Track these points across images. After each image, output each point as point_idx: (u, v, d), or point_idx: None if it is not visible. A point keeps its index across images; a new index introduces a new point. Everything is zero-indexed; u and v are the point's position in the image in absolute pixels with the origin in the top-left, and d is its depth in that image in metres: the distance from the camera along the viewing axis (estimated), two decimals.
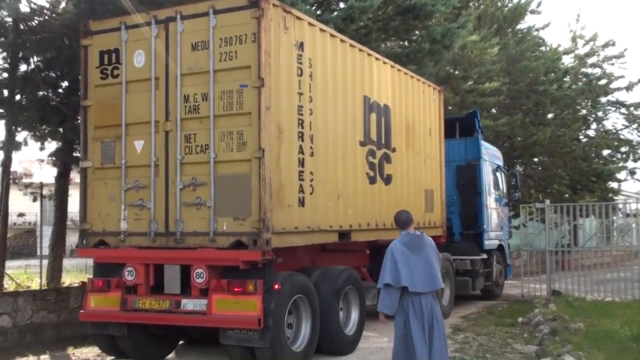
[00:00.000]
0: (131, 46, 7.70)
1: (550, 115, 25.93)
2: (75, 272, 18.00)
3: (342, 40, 8.66)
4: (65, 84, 10.77)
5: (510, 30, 23.23)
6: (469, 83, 18.46)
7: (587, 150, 27.65)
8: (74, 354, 9.05)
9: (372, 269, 10.16)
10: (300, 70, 7.62)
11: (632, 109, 29.03)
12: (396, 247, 6.19)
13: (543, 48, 25.77)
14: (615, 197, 30.57)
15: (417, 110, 11.14)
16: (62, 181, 11.38)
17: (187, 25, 7.38)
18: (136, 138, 7.63)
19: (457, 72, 18.70)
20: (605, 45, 28.52)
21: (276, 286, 6.97)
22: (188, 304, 7.16)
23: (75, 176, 12.29)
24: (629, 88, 28.31)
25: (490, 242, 13.95)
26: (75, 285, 11.40)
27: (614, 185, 30.07)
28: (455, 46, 14.98)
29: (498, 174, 14.67)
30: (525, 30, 24.31)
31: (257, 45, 6.94)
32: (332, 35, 8.41)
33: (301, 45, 7.63)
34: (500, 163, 15.14)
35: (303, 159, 7.61)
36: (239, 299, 6.89)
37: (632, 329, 8.77)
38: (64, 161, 11.19)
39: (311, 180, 7.76)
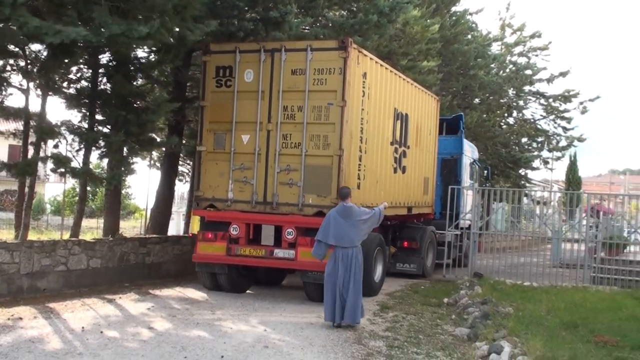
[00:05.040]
0: (243, 66, 10.61)
1: (477, 100, 26.63)
2: None
3: (385, 68, 11.77)
4: None
5: (446, 11, 23.48)
6: (408, 60, 18.38)
7: (508, 137, 29.40)
8: None
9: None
10: (364, 93, 10.69)
11: (550, 100, 30.58)
12: (332, 213, 8.77)
13: (475, 33, 26.35)
14: (528, 185, 33.63)
15: (423, 116, 14.37)
16: None
17: (289, 56, 10.34)
18: (243, 133, 10.60)
19: (397, 47, 18.40)
20: (532, 36, 29.72)
21: None
22: (279, 252, 10.25)
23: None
24: (550, 80, 29.83)
25: (464, 222, 17.43)
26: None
27: (528, 172, 32.37)
28: (398, 20, 15.53)
29: (474, 166, 18.15)
30: (459, 13, 24.53)
31: (342, 77, 9.99)
32: (380, 65, 11.50)
33: (365, 75, 10.70)
34: (477, 158, 18.63)
35: (361, 155, 10.74)
36: None
37: (559, 316, 9.04)
38: None
39: (364, 171, 10.90)
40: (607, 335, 7.89)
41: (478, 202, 17.99)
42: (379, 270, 11.76)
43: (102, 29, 8.34)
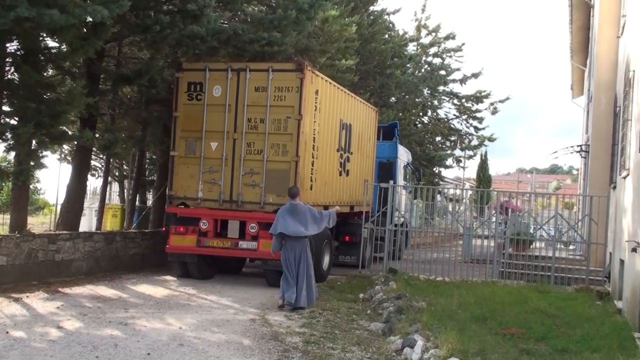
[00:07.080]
0: (212, 82, 12.21)
1: (393, 99, 26.95)
2: None
3: (334, 85, 13.61)
4: None
5: (364, 10, 23.76)
6: (326, 58, 18.31)
7: (423, 136, 30.54)
8: None
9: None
10: (316, 107, 12.48)
11: (463, 100, 31.78)
12: (282, 209, 10.24)
13: (392, 33, 26.81)
14: (442, 182, 34.80)
15: (364, 125, 16.32)
16: None
17: (253, 75, 12.02)
18: (212, 140, 12.20)
19: (316, 45, 17.86)
20: (447, 38, 30.85)
21: None
22: (243, 244, 11.92)
23: None
24: (462, 81, 31.14)
25: (398, 219, 19.51)
26: None
27: (441, 170, 33.62)
28: (317, 18, 15.32)
29: (407, 169, 20.28)
30: (377, 13, 24.78)
31: (299, 94, 11.76)
32: (330, 82, 13.33)
33: (317, 92, 12.49)
34: (410, 161, 20.77)
35: (313, 161, 12.53)
36: None
37: (470, 310, 9.24)
38: None
39: (315, 174, 12.71)
40: (514, 328, 8.21)
41: (407, 201, 20.11)
42: (326, 260, 13.58)
43: (9, 12, 8.08)
